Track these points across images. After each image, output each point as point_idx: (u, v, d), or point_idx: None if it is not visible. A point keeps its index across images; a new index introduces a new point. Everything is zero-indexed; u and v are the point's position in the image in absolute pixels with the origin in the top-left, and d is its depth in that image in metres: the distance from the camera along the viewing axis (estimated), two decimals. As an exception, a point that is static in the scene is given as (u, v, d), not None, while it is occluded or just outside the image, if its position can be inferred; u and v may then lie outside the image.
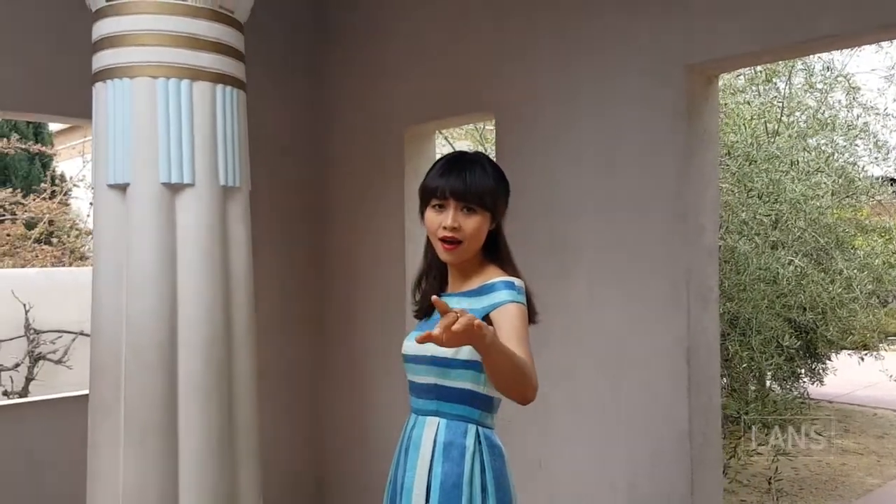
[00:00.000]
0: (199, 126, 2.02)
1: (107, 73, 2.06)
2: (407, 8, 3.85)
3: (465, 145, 6.12)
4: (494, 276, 1.82)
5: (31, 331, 6.09)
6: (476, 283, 1.83)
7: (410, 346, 1.83)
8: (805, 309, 6.06)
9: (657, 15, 2.80)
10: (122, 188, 2.02)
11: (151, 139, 1.99)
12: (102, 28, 2.07)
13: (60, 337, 6.15)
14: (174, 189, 2.01)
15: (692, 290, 2.74)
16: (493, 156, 5.88)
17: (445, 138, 5.56)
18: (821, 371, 6.77)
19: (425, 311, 1.92)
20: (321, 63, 4.32)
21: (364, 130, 4.05)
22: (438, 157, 2.04)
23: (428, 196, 1.82)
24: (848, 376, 7.15)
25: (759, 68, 6.23)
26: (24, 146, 7.47)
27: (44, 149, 8.38)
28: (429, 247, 1.92)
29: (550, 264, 3.09)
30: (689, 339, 2.71)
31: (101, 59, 2.08)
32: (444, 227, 1.77)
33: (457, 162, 1.85)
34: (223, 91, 2.07)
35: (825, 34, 2.45)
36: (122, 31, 2.03)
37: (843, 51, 6.67)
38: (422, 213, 1.85)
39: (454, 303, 1.72)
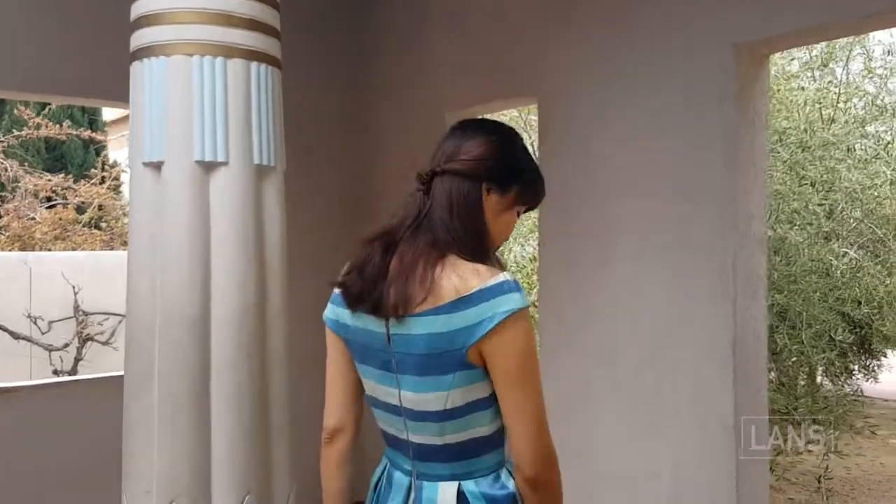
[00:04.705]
0: (233, 104, 2.00)
1: (143, 52, 2.05)
2: (449, -10, 3.80)
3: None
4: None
5: (80, 312, 6.24)
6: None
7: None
8: (860, 303, 5.84)
9: (705, -8, 2.70)
10: (157, 166, 2.02)
11: (186, 117, 1.98)
12: (140, 7, 2.07)
13: (108, 319, 6.29)
14: (208, 167, 2.00)
15: (739, 278, 2.64)
16: (535, 142, 5.80)
17: (488, 124, 5.49)
18: (875, 368, 6.54)
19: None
20: (362, 44, 4.30)
21: (405, 114, 4.01)
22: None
23: (531, 201, 1.49)
24: (904, 374, 6.88)
25: (814, 52, 6.01)
26: (75, 132, 7.63)
27: (95, 135, 8.56)
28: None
29: (593, 248, 3.02)
30: (735, 328, 2.61)
31: (138, 38, 2.07)
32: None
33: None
34: (257, 68, 2.05)
35: (883, 10, 2.32)
36: (158, 9, 2.02)
37: (905, 34, 6.40)
38: (506, 207, 1.44)
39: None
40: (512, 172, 1.43)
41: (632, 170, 2.93)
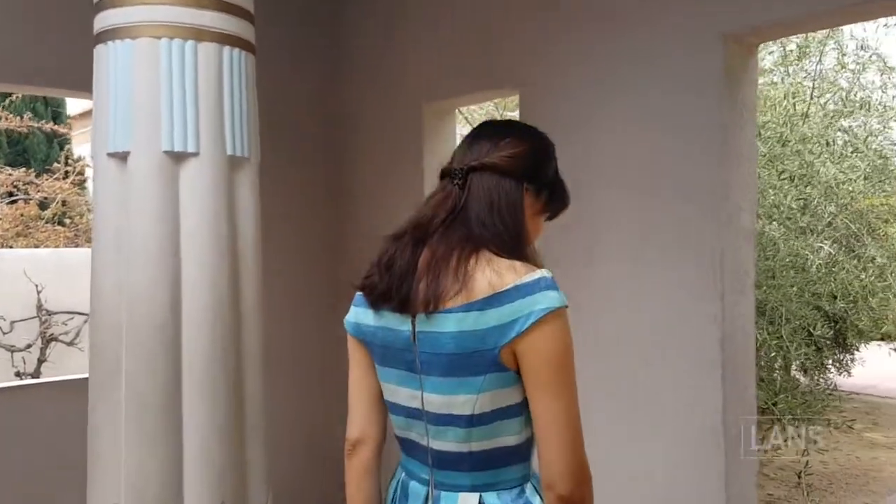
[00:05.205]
0: (204, 90, 1.88)
1: (108, 35, 1.93)
2: (427, -23, 3.69)
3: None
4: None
5: (44, 312, 6.03)
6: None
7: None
8: (835, 297, 5.88)
9: (694, -21, 2.63)
10: (123, 157, 1.89)
11: (153, 104, 1.85)
12: (104, -14, 1.94)
13: (72, 318, 6.09)
14: (177, 158, 1.88)
15: (727, 272, 2.58)
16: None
17: (465, 118, 5.40)
18: (849, 362, 6.59)
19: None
20: (340, 32, 4.18)
21: (382, 105, 3.90)
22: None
23: (556, 210, 1.45)
24: (874, 368, 6.95)
25: (790, 47, 6.02)
26: (36, 124, 7.39)
27: (58, 128, 8.31)
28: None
29: (579, 244, 2.94)
30: (724, 324, 2.55)
31: (102, 20, 1.94)
32: None
33: None
34: (230, 53, 1.93)
35: (876, -2, 2.27)
36: (124, -12, 1.89)
37: (878, 30, 6.45)
38: (537, 211, 1.40)
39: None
40: (546, 176, 1.39)
41: (617, 163, 2.86)
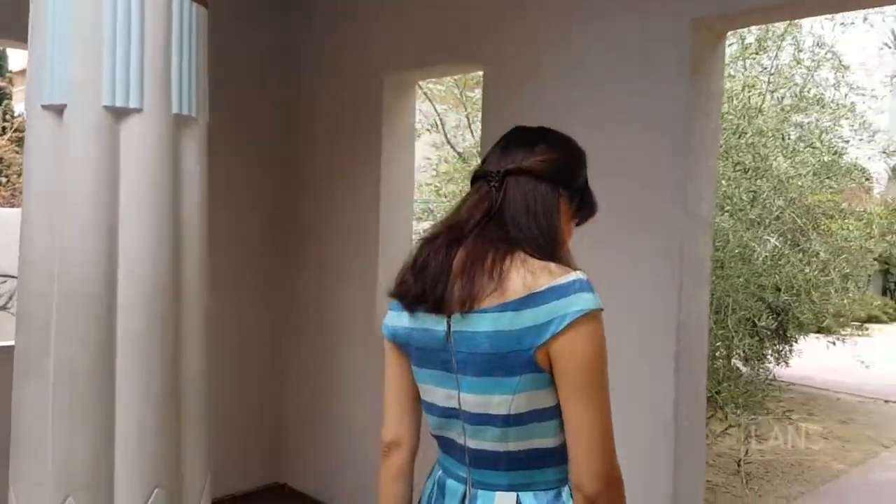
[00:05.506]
0: (150, 42, 1.74)
1: (45, -23, 1.77)
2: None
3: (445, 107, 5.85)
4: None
5: (-26, 274, 5.74)
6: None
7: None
8: (779, 290, 6.00)
9: (667, -40, 2.57)
10: (59, 110, 1.74)
11: (94, 54, 1.70)
12: (42, -76, 1.77)
13: (5, 282, 5.82)
14: (118, 114, 1.73)
15: (686, 262, 2.55)
16: (470, 118, 5.62)
17: (425, 94, 5.28)
18: (788, 353, 6.74)
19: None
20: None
21: (341, 73, 3.77)
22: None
23: (585, 216, 1.48)
24: (811, 359, 7.13)
25: (749, 40, 6.05)
26: (-30, 77, 7.00)
27: (-5, 81, 7.90)
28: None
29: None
30: (680, 314, 2.53)
31: (40, -39, 1.78)
32: None
33: None
34: (180, 3, 1.78)
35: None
36: (65, -74, 1.73)
37: (835, 28, 6.54)
38: (570, 217, 1.42)
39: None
40: (578, 182, 1.42)
41: (581, 146, 2.80)
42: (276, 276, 4.03)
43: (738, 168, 5.24)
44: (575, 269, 1.28)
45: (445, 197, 5.42)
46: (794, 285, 5.99)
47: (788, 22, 5.91)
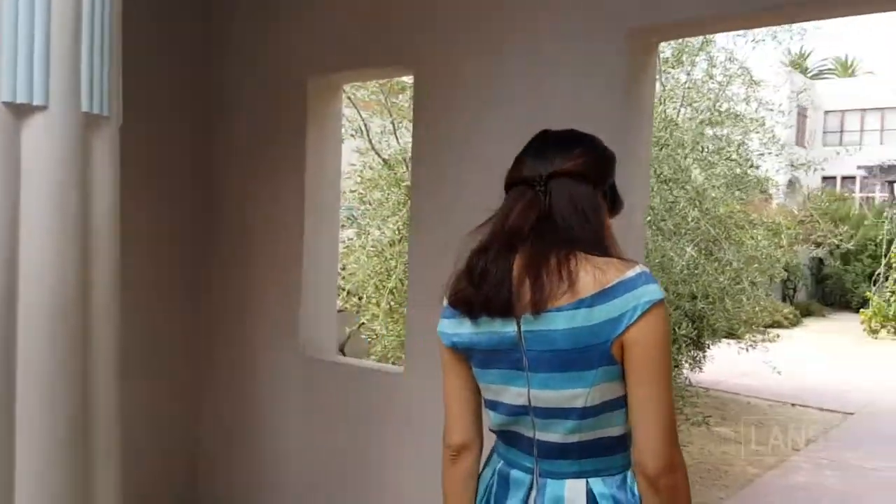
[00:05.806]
0: (57, 33, 1.56)
1: (-67, -44, 1.57)
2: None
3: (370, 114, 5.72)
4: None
5: None
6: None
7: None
8: (695, 298, 6.16)
9: (602, -32, 2.55)
10: (-52, 106, 1.54)
11: (-9, 45, 1.52)
12: None
13: None
14: (19, 111, 1.54)
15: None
16: (402, 121, 5.51)
17: (350, 99, 5.15)
18: (702, 359, 6.93)
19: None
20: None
21: (262, 73, 3.59)
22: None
23: (614, 213, 1.53)
24: (723, 364, 7.35)
25: (665, 55, 6.20)
26: None
27: None
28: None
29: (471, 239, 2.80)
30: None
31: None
32: None
33: None
34: (91, -9, 1.62)
35: (780, 3, 2.27)
36: None
37: (747, 44, 6.79)
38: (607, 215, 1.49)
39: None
40: (611, 181, 1.49)
41: (513, 154, 2.74)
42: (192, 287, 3.81)
43: (660, 179, 5.35)
44: (634, 262, 1.33)
45: (370, 204, 5.29)
46: (709, 293, 6.17)
47: (704, 38, 6.08)
